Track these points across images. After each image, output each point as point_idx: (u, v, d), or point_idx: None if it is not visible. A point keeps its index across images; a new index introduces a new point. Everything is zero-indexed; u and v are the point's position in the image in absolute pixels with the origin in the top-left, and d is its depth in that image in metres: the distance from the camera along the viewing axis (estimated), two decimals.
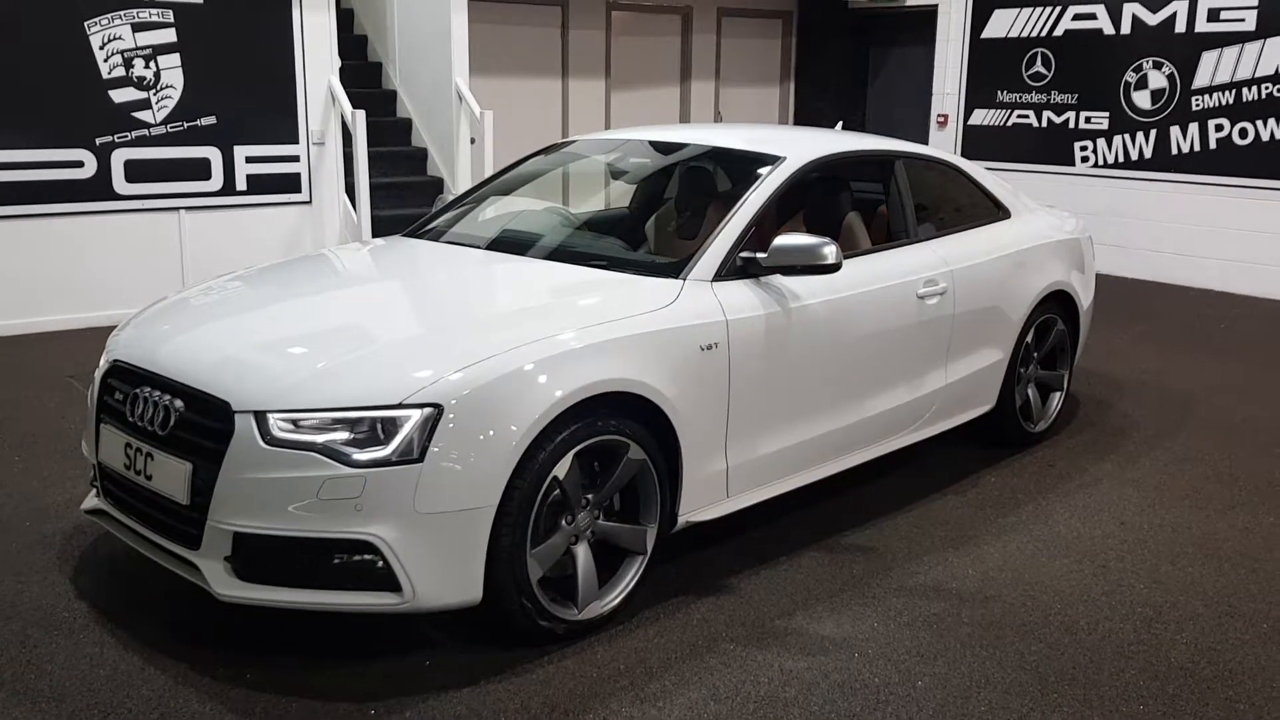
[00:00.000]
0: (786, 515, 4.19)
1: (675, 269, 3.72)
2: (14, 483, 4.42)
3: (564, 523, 3.23)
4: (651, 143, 4.82)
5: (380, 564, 2.91)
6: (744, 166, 4.23)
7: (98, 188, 7.10)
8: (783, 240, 3.71)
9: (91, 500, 3.53)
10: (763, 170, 4.09)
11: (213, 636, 3.25)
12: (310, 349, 3.25)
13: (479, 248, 4.21)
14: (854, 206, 4.58)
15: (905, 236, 4.57)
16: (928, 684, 3.11)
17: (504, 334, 3.20)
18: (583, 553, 3.30)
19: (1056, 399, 5.34)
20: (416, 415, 2.92)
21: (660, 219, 4.46)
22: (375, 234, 7.85)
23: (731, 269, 3.74)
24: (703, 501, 3.63)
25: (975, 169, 5.19)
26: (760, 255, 3.74)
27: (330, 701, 2.93)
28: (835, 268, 3.71)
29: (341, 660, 3.14)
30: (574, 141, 5.03)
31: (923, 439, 4.62)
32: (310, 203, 8.02)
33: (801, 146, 4.31)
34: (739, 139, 4.56)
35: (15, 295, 6.91)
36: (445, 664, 3.13)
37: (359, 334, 3.40)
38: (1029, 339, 5.04)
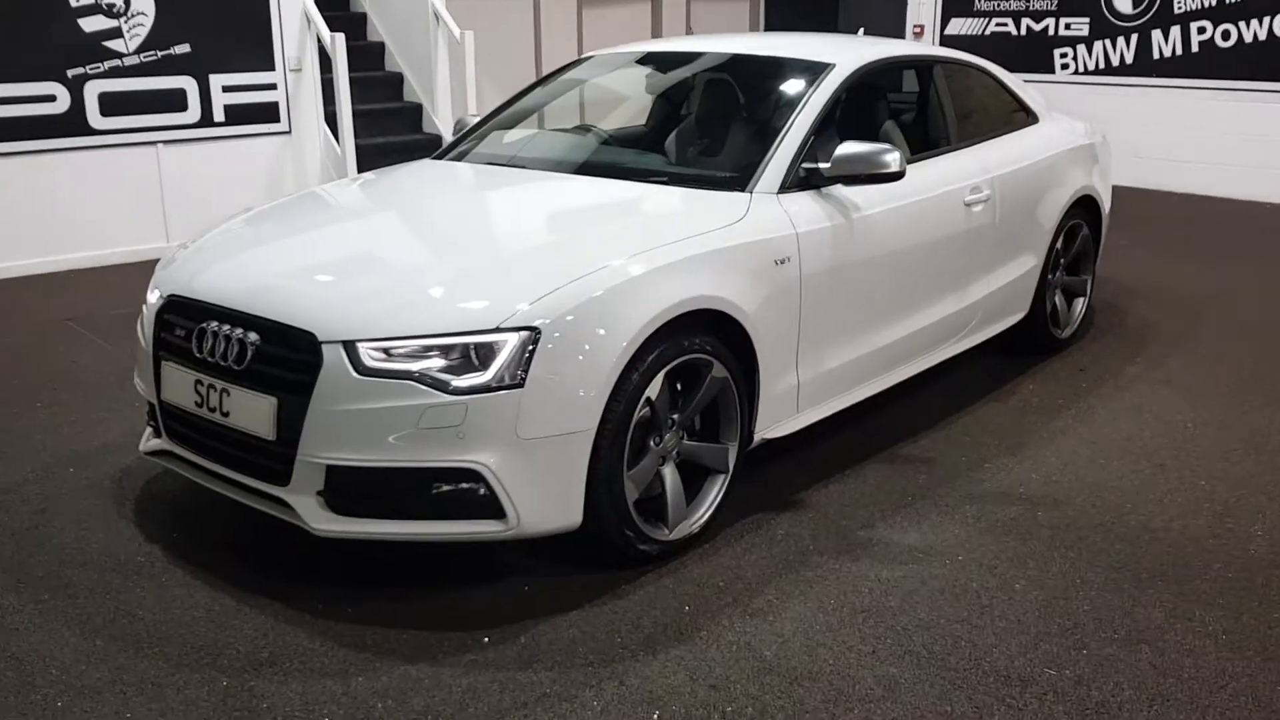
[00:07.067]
0: (837, 432, 4.16)
1: (740, 182, 3.63)
2: (43, 430, 4.26)
3: (652, 444, 3.19)
4: (689, 53, 4.68)
5: (483, 491, 2.85)
6: (795, 75, 4.10)
7: (72, 123, 6.78)
8: (846, 149, 3.64)
9: (152, 441, 3.40)
10: (815, 78, 4.00)
11: (300, 573, 3.17)
12: (390, 275, 3.15)
13: (541, 169, 4.06)
14: (889, 115, 4.50)
15: (946, 143, 4.52)
16: (1025, 586, 3.14)
17: (589, 253, 3.11)
18: (670, 473, 3.26)
19: (1080, 304, 5.37)
20: (514, 339, 2.83)
21: (707, 130, 4.30)
22: (359, 166, 7.62)
23: (795, 180, 3.67)
24: (776, 418, 3.60)
25: (1005, 74, 5.13)
26: (823, 165, 3.67)
27: (440, 631, 2.88)
28: (899, 175, 3.65)
29: (434, 591, 3.09)
30: (592, 57, 4.87)
31: (966, 349, 4.62)
32: (290, 133, 7.75)
33: (846, 54, 4.21)
34: (783, 47, 4.40)
35: None
36: (544, 589, 3.09)
37: (438, 258, 3.29)
38: (1058, 245, 5.04)
